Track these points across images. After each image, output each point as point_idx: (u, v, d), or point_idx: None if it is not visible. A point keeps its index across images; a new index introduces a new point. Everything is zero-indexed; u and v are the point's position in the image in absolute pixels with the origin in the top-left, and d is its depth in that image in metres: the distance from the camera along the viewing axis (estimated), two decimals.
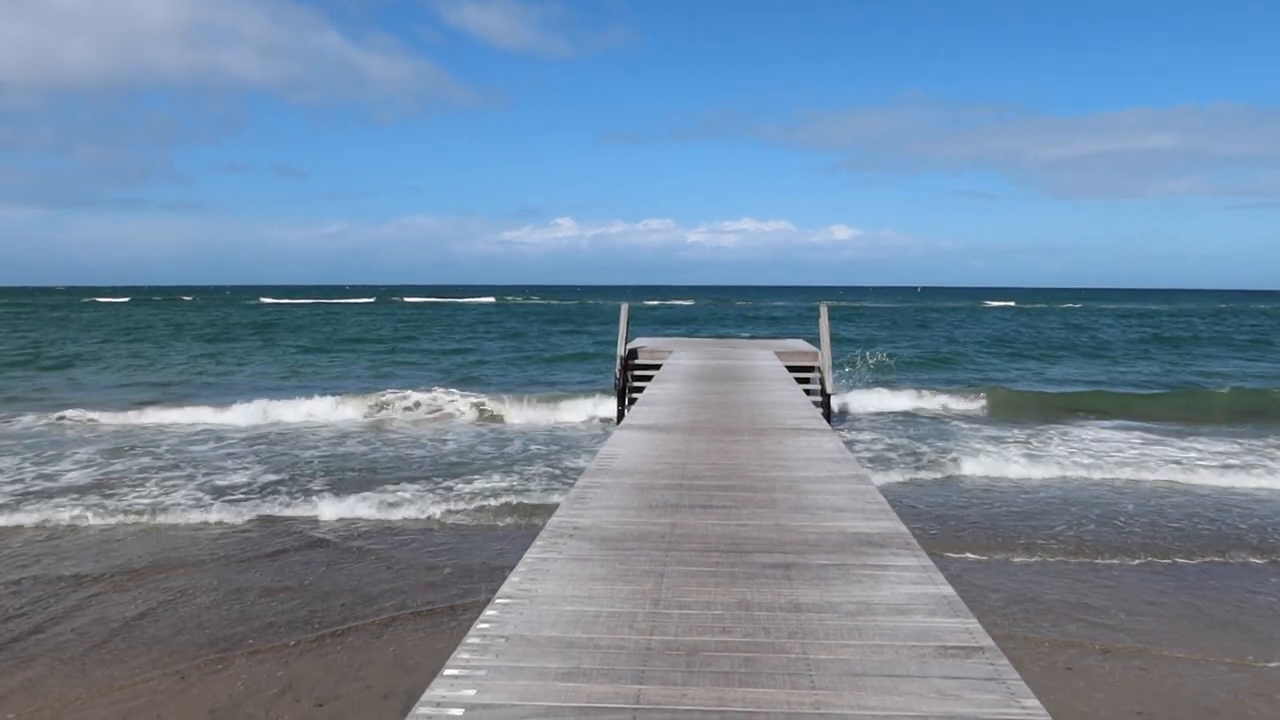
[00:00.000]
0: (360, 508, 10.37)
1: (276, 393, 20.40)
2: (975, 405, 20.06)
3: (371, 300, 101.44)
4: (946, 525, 9.88)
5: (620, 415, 16.80)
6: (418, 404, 19.05)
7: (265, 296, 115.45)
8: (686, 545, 4.59)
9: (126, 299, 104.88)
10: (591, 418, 18.13)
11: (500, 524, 9.95)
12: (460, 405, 18.99)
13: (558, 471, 12.74)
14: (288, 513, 10.28)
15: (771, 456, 6.87)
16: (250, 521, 9.94)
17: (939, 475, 12.54)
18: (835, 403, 16.40)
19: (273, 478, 12.10)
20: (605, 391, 18.65)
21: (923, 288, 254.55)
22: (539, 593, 3.90)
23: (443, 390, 20.20)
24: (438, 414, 18.49)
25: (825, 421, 8.75)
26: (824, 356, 15.92)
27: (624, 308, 17.91)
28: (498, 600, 3.80)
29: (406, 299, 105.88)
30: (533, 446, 14.95)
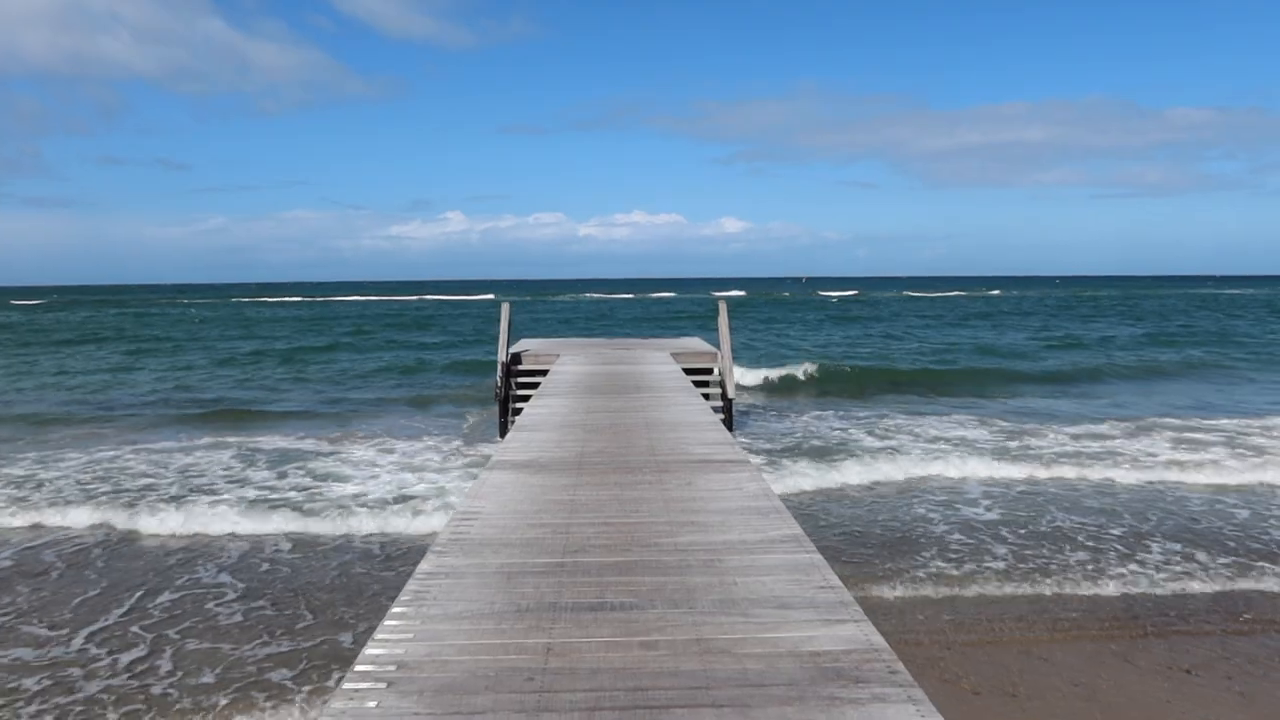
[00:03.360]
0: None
1: None
2: None
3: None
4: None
5: (503, 429, 15.04)
6: None
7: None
8: (564, 698, 3.00)
9: None
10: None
11: None
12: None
13: None
14: None
15: (681, 507, 5.36)
16: None
17: None
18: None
19: None
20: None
21: (807, 278, 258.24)
22: None
23: None
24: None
25: (738, 448, 7.32)
26: (724, 357, 14.61)
27: (505, 307, 16.18)
28: None
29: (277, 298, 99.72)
30: None
